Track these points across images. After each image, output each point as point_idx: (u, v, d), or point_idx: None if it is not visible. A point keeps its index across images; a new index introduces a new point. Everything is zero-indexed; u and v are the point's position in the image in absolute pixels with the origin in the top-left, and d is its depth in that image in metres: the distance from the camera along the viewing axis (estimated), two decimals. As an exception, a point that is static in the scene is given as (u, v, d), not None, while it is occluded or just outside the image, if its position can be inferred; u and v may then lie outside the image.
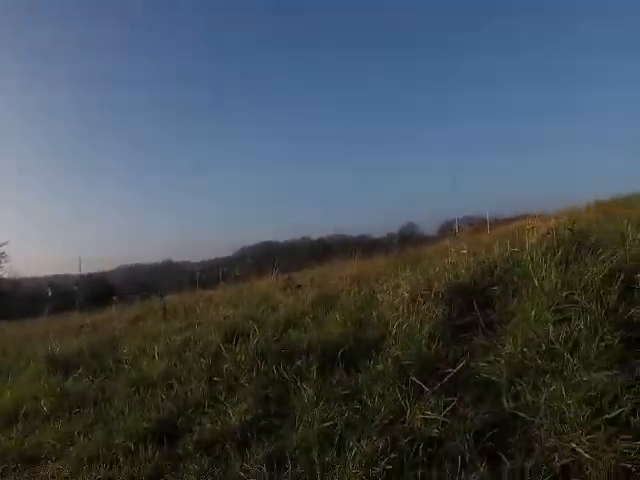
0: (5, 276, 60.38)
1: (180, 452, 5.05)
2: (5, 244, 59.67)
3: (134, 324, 12.30)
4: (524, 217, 17.52)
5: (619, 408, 3.87)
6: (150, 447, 5.15)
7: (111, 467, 5.00)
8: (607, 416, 3.80)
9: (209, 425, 5.32)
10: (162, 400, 6.22)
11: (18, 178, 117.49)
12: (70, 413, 6.90)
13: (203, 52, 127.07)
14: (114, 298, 20.17)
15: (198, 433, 5.26)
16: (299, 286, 12.48)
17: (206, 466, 4.61)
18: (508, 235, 10.08)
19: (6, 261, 59.88)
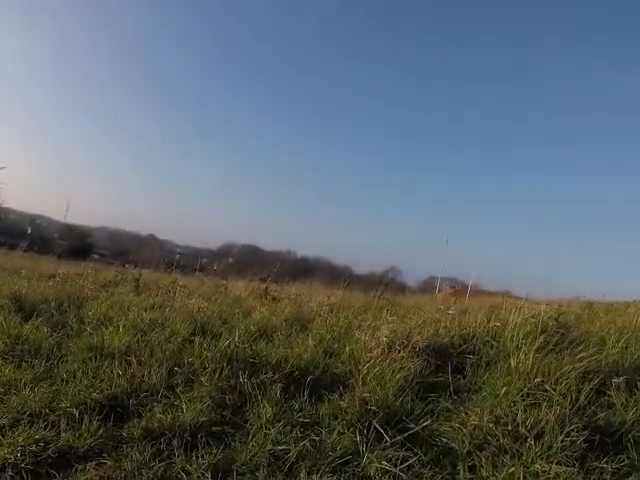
0: (-8, 201, 60.02)
1: (124, 435, 4.85)
2: (2, 169, 59.25)
3: (105, 288, 12.09)
4: (506, 294, 17.63)
5: None
6: (95, 420, 4.95)
7: (50, 430, 4.79)
8: None
9: (160, 415, 5.14)
10: (118, 375, 6.00)
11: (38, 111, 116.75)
12: (21, 360, 6.63)
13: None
14: (94, 256, 19.90)
15: (147, 420, 5.09)
16: (275, 299, 12.35)
17: (148, 457, 4.41)
18: (489, 307, 10.13)
19: None
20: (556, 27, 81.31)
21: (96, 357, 6.60)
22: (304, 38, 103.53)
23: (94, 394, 5.48)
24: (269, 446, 4.55)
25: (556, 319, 7.59)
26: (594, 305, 15.40)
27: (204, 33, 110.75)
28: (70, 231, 54.70)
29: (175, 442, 4.66)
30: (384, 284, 14.27)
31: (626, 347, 7.13)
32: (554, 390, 5.48)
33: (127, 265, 17.10)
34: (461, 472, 4.38)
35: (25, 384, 5.86)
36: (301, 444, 4.61)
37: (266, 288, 13.15)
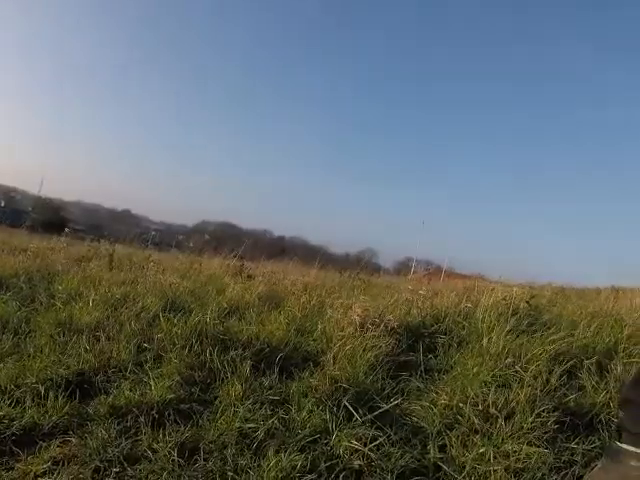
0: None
1: (91, 412, 4.73)
2: None
3: (77, 263, 11.94)
4: (479, 277, 17.76)
5: None
6: (61, 397, 4.83)
7: (15, 406, 4.69)
8: None
9: (127, 392, 5.04)
10: (85, 351, 5.92)
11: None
12: (-13, 335, 6.55)
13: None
14: (66, 230, 19.64)
15: (114, 397, 4.99)
16: (250, 276, 12.29)
17: (114, 435, 4.31)
18: (462, 289, 10.19)
19: None
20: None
21: (64, 332, 6.50)
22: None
23: (61, 370, 5.38)
24: (237, 424, 4.49)
25: (528, 302, 7.69)
26: (566, 290, 15.60)
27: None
28: (44, 205, 54.33)
29: (142, 419, 4.56)
30: (359, 264, 14.29)
31: (597, 331, 7.25)
32: (525, 371, 5.51)
33: (101, 240, 16.99)
34: (431, 451, 4.35)
35: (-9, 360, 5.77)
36: (270, 422, 4.56)
37: (241, 265, 13.08)
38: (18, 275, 9.52)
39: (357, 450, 4.21)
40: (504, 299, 7.77)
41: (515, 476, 3.97)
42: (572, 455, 4.43)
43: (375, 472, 4.02)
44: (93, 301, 7.63)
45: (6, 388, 5.01)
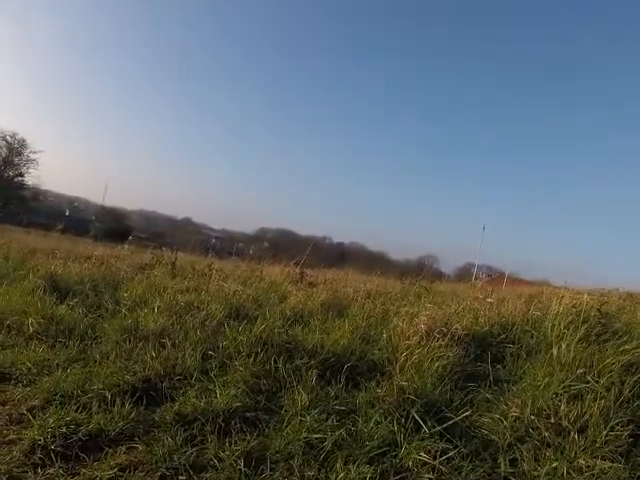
0: (30, 183, 61.21)
1: (157, 419, 4.74)
2: (40, 152, 60.44)
3: (141, 270, 12.08)
4: (545, 284, 17.34)
5: None
6: (127, 403, 4.86)
7: (82, 412, 4.70)
8: None
9: (193, 399, 5.04)
10: (151, 358, 5.92)
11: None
12: (55, 340, 6.65)
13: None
14: (130, 238, 20.02)
15: (180, 404, 4.99)
16: (311, 284, 12.24)
17: (180, 442, 4.30)
18: (528, 296, 9.95)
19: (35, 168, 60.73)
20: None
21: (130, 339, 6.55)
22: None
23: (127, 376, 5.41)
24: (304, 434, 4.43)
25: (598, 309, 7.38)
26: (634, 296, 15.12)
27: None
28: (107, 213, 55.36)
29: (208, 427, 4.55)
30: (421, 271, 14.14)
31: None
32: (597, 382, 5.27)
33: (164, 248, 17.17)
34: (502, 465, 4.23)
35: (58, 365, 5.86)
36: (337, 433, 4.48)
37: (302, 273, 13.05)
38: (84, 282, 9.63)
39: (426, 463, 4.11)
40: (574, 306, 7.47)
41: (591, 493, 3.76)
42: (649, 470, 4.22)
43: (445, 486, 3.89)
44: (158, 308, 7.68)
45: (73, 393, 5.05)
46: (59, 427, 4.38)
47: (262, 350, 6.03)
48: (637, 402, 5.14)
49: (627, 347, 6.01)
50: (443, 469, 4.05)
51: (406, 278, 14.27)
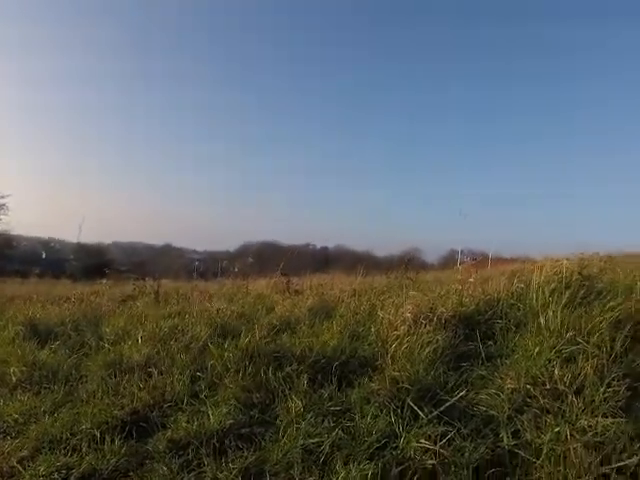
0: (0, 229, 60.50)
1: (150, 449, 4.65)
2: (8, 196, 59.79)
3: (123, 303, 11.99)
4: (526, 260, 17.43)
5: (628, 458, 3.69)
6: (118, 439, 4.77)
7: (72, 455, 4.61)
8: (616, 465, 3.64)
9: (185, 424, 4.95)
10: (139, 389, 5.84)
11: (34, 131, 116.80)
12: (40, 386, 6.52)
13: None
14: (106, 271, 19.83)
15: (172, 431, 4.90)
16: (297, 291, 12.18)
17: (176, 469, 4.22)
18: (511, 272, 9.97)
19: (5, 214, 59.91)
20: None
21: (115, 373, 6.47)
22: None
23: (115, 412, 5.31)
24: (301, 441, 4.36)
25: (579, 273, 7.40)
26: (614, 257, 15.23)
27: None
28: (85, 250, 54.97)
29: (203, 450, 4.46)
30: (405, 263, 14.14)
31: None
32: (587, 343, 5.35)
33: (147, 278, 17.07)
34: (504, 439, 4.19)
35: (45, 411, 5.75)
36: (334, 433, 4.42)
37: (287, 282, 12.98)
38: (65, 323, 9.54)
39: (428, 449, 4.05)
40: (555, 274, 7.52)
41: (596, 451, 3.76)
42: (651, 420, 4.23)
43: (450, 469, 3.87)
44: (141, 338, 7.60)
45: (62, 437, 4.96)
46: (50, 474, 4.31)
47: (250, 363, 5.97)
48: (630, 356, 5.22)
49: (612, 304, 6.14)
50: (445, 453, 3.99)
51: (391, 272, 14.26)
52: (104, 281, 17.01)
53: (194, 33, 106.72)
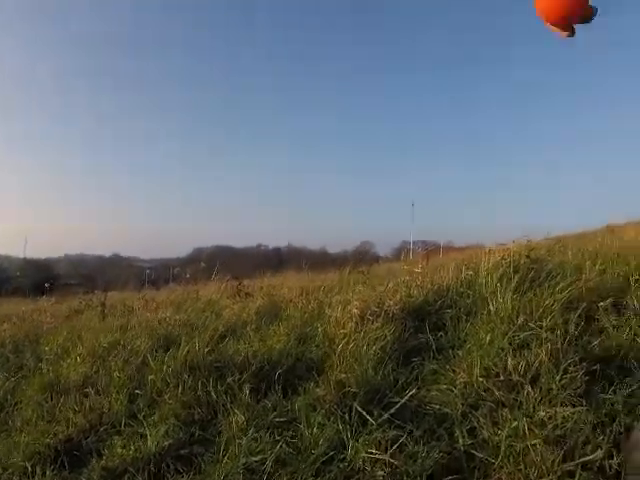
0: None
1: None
2: None
3: (69, 319, 11.64)
4: (478, 247, 17.57)
5: (592, 451, 3.52)
6: (50, 469, 4.48)
7: (3, 492, 4.32)
8: (580, 460, 3.47)
9: (120, 450, 4.66)
10: (74, 412, 5.54)
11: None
12: (-29, 418, 6.17)
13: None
14: (46, 285, 19.43)
15: (107, 458, 4.60)
16: (248, 294, 11.95)
17: (109, 502, 3.96)
18: (462, 260, 9.92)
19: None
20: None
21: (52, 396, 6.17)
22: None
23: (47, 440, 5.00)
24: (242, 459, 4.10)
25: (527, 255, 7.35)
26: (563, 238, 15.43)
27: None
28: (31, 266, 54.07)
29: (139, 477, 4.20)
30: (356, 258, 14.07)
31: (604, 270, 7.06)
32: (540, 327, 5.21)
33: (95, 291, 16.71)
34: (459, 439, 4.00)
35: (-22, 445, 5.39)
36: (277, 448, 4.18)
37: (238, 285, 12.75)
38: (4, 344, 9.22)
39: (378, 459, 3.84)
40: (503, 258, 7.47)
41: (557, 446, 3.58)
42: (612, 405, 4.12)
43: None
44: (80, 356, 7.28)
45: (-7, 473, 4.63)
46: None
47: (190, 376, 5.68)
48: (585, 338, 5.14)
49: (562, 285, 6.07)
50: (395, 462, 3.78)
51: (343, 268, 14.18)
52: (47, 298, 16.56)
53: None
